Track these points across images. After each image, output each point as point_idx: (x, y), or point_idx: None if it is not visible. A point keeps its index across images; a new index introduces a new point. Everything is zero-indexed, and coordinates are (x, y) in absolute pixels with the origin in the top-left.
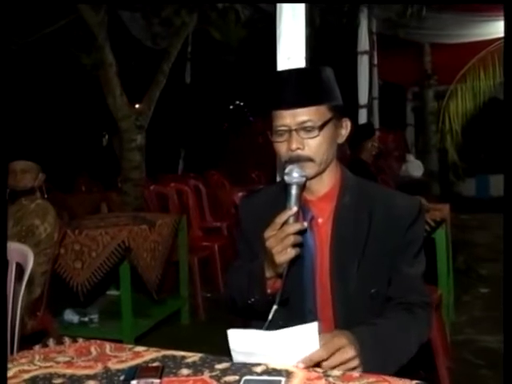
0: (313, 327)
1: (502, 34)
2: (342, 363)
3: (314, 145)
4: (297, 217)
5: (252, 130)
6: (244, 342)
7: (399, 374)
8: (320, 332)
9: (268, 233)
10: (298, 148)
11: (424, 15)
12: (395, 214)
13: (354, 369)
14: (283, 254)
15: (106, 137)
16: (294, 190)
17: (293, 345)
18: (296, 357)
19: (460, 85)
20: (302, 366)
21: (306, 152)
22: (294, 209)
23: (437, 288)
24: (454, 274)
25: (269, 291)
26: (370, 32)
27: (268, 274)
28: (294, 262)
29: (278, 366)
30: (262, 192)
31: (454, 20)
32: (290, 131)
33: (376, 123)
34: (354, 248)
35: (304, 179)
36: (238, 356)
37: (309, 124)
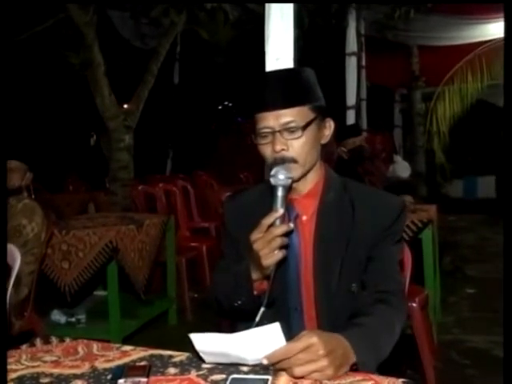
0: (275, 327)
1: (489, 37)
2: (309, 361)
3: (297, 145)
4: (283, 218)
5: (240, 131)
6: (209, 345)
7: (386, 372)
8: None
9: (254, 235)
10: (283, 149)
11: (412, 17)
12: (378, 213)
13: (323, 369)
14: (270, 256)
15: (94, 137)
16: (280, 192)
17: (259, 345)
18: (263, 354)
19: (447, 87)
20: (265, 362)
21: (291, 153)
22: (281, 211)
23: (423, 288)
24: (441, 275)
25: (255, 293)
26: (359, 34)
27: (254, 276)
28: (281, 263)
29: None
30: (247, 192)
31: (442, 22)
32: (273, 133)
33: (364, 124)
34: (337, 245)
35: (290, 181)
36: (209, 357)
37: (292, 125)
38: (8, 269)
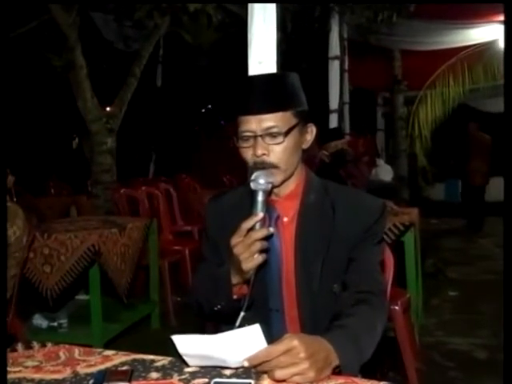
0: (255, 329)
1: (471, 42)
2: (290, 364)
3: (278, 151)
4: (263, 222)
5: (223, 134)
6: (191, 346)
7: (368, 374)
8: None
9: (234, 239)
10: (264, 154)
11: (394, 22)
12: (358, 214)
13: (304, 372)
14: (250, 260)
15: (76, 139)
16: (260, 197)
17: (240, 346)
18: (245, 356)
19: (429, 91)
20: (246, 364)
21: (271, 158)
22: (261, 215)
23: (406, 291)
24: (423, 278)
25: (235, 297)
26: (341, 38)
27: (234, 280)
28: (261, 266)
29: (248, 368)
30: (228, 194)
31: (424, 27)
32: (255, 137)
33: (347, 128)
34: (318, 246)
35: (270, 186)
36: (192, 359)
37: (274, 130)
38: None
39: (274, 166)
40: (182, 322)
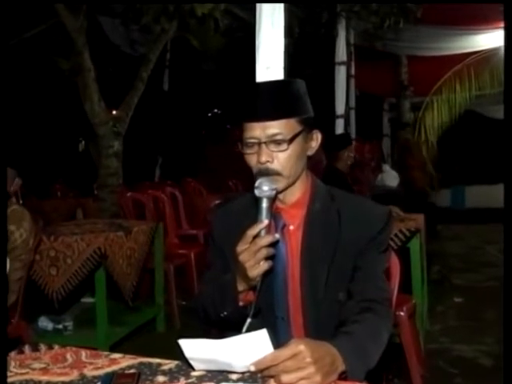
0: (263, 334)
1: (477, 48)
2: (296, 369)
3: (283, 158)
4: (268, 229)
5: (229, 138)
6: (198, 351)
7: (373, 380)
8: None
9: (240, 247)
10: (268, 161)
11: (401, 27)
12: (364, 222)
13: (310, 376)
14: (256, 267)
15: (83, 143)
16: (264, 204)
17: (246, 350)
18: (251, 361)
19: (436, 97)
20: (253, 368)
21: (275, 165)
22: (266, 222)
23: (411, 297)
24: (429, 284)
25: (241, 304)
26: (348, 43)
27: (241, 287)
28: (267, 273)
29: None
30: (234, 201)
31: (431, 33)
32: (259, 144)
33: (353, 133)
34: (324, 254)
35: (274, 192)
36: (198, 363)
37: (279, 137)
38: None
39: (277, 173)
40: (186, 325)
